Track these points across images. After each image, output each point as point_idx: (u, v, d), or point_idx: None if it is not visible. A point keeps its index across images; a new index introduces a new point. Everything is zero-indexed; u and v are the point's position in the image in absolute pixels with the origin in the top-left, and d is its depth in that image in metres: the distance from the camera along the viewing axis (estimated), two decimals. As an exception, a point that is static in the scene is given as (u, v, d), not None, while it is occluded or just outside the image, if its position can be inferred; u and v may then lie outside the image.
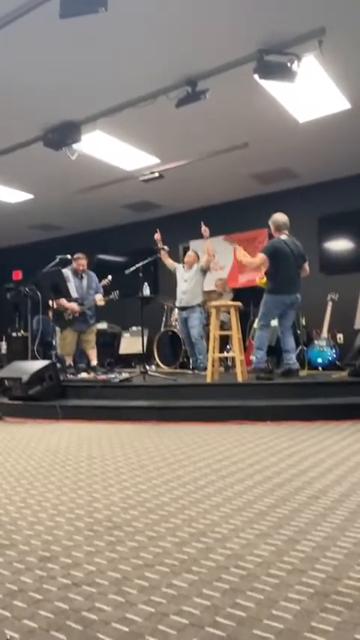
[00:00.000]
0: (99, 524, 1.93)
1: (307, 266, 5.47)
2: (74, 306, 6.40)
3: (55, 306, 6.25)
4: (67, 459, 3.12)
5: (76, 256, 6.68)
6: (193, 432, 3.97)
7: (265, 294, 5.34)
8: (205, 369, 6.39)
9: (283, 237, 5.32)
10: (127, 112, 5.35)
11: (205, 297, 8.13)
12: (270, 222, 5.48)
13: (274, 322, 5.57)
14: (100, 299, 6.66)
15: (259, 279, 5.53)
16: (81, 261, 6.68)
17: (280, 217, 5.41)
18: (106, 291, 6.77)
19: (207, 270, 6.75)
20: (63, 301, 6.34)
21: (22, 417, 5.17)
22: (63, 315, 6.39)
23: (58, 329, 6.63)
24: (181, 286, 6.72)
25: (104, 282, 6.75)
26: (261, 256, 5.23)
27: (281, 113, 5.57)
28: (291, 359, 5.32)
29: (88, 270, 6.78)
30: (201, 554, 1.60)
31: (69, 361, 6.58)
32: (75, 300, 6.37)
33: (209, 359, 5.54)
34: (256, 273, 8.47)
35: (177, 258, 7.04)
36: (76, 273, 6.65)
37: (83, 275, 6.69)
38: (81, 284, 6.62)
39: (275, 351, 7.02)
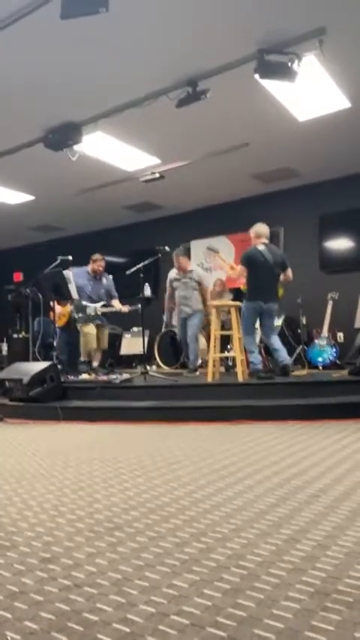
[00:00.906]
0: (100, 525, 1.94)
1: (289, 272, 5.55)
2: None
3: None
4: (68, 460, 3.12)
5: (95, 257, 6.57)
6: (193, 432, 3.97)
7: (244, 301, 5.51)
8: (195, 370, 6.35)
9: (260, 246, 5.44)
10: (127, 113, 5.35)
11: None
12: (250, 231, 5.66)
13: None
14: (119, 306, 6.45)
15: (242, 285, 5.66)
16: (100, 262, 6.57)
17: (259, 226, 5.60)
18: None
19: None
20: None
21: (23, 419, 5.18)
22: (85, 309, 6.33)
23: (77, 327, 6.47)
24: (180, 292, 6.63)
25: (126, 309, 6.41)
26: (240, 267, 5.45)
27: (281, 113, 5.57)
28: (280, 356, 5.38)
29: (105, 273, 6.69)
30: (201, 555, 1.60)
31: (85, 358, 6.45)
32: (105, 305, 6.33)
33: (210, 359, 5.54)
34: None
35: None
36: (95, 275, 6.56)
37: (101, 277, 6.60)
38: (96, 285, 6.52)
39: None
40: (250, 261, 5.36)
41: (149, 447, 3.42)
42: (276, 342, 5.41)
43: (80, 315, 6.37)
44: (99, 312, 6.39)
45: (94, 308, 6.34)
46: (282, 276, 5.50)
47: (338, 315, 7.00)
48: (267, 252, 5.39)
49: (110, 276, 6.73)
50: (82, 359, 6.49)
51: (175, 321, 6.91)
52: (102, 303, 6.46)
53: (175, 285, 6.72)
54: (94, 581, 1.45)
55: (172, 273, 6.76)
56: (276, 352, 5.39)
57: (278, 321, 7.05)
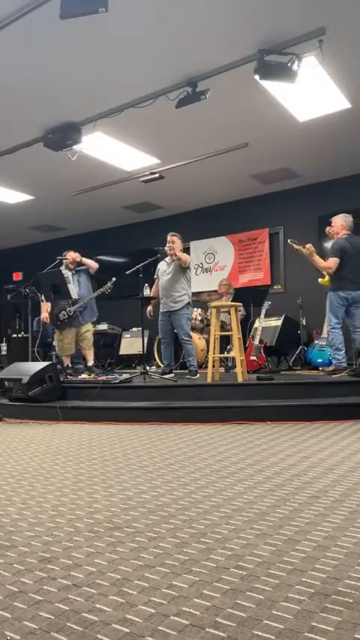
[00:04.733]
0: (99, 525, 1.93)
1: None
2: (45, 314, 6.29)
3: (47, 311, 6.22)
4: (67, 460, 3.12)
5: (65, 253, 6.43)
6: (193, 432, 3.97)
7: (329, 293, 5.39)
8: (196, 373, 6.07)
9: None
10: (127, 113, 5.35)
11: (206, 297, 8.13)
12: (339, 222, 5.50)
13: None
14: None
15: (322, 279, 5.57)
16: (70, 253, 6.40)
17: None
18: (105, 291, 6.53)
19: (186, 268, 5.95)
20: (46, 306, 6.20)
21: (22, 419, 5.17)
22: (58, 316, 6.25)
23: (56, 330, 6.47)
24: (163, 282, 5.99)
25: (107, 286, 6.34)
26: (334, 259, 5.26)
27: (281, 113, 5.57)
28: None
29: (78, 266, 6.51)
30: (201, 555, 1.60)
31: (67, 362, 6.48)
32: (75, 302, 6.24)
33: (209, 359, 5.54)
34: (256, 274, 8.50)
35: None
36: (74, 269, 6.41)
37: (74, 271, 6.44)
38: (73, 280, 6.40)
39: (275, 351, 7.03)
40: (344, 251, 5.28)
41: (149, 447, 3.42)
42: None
43: (58, 322, 6.24)
44: (71, 312, 6.19)
45: (65, 312, 6.18)
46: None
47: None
48: (355, 242, 5.37)
49: (83, 267, 6.52)
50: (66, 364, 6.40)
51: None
52: (78, 305, 6.24)
53: (160, 274, 6.07)
54: (93, 581, 1.45)
55: (162, 264, 6.16)
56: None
57: (278, 321, 7.06)
